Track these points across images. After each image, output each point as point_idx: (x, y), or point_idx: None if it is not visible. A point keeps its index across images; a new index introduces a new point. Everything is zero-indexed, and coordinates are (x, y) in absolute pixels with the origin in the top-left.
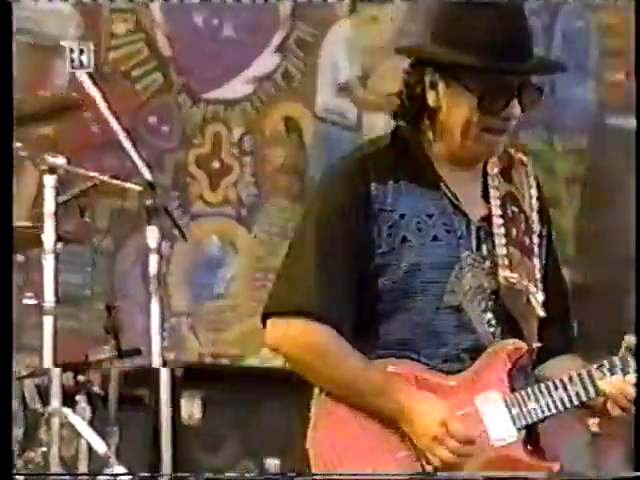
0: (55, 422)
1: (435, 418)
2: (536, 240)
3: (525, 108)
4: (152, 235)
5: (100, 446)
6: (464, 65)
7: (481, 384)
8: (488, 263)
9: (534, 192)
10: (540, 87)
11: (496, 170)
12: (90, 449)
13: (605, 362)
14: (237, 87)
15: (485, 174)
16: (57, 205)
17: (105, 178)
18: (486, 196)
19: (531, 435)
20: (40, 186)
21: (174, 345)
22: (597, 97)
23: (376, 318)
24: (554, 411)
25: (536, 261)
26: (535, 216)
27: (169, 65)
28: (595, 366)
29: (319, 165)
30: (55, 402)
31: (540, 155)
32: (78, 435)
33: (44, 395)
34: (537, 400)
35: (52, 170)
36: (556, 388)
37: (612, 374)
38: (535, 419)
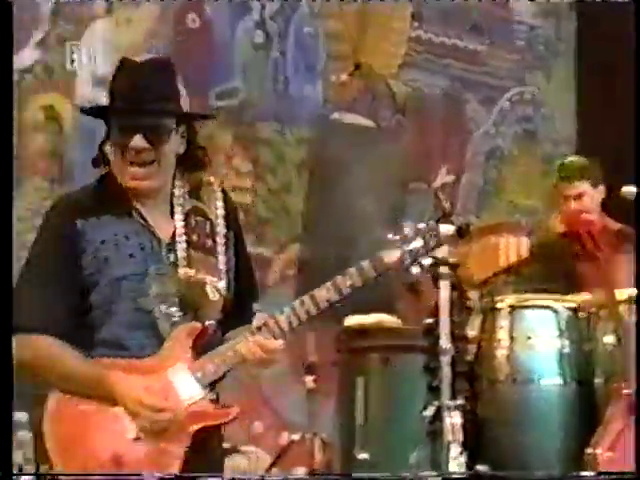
0: None
1: (132, 396)
2: (221, 240)
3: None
4: None
5: None
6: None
7: (171, 360)
8: (173, 270)
9: (220, 203)
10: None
11: (182, 191)
12: None
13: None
14: None
15: (172, 197)
16: None
17: None
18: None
19: (214, 390)
20: None
21: None
22: (323, 95)
23: (92, 326)
24: (225, 368)
25: (220, 257)
26: (221, 222)
27: None
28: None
29: (77, 149)
30: None
31: (272, 143)
32: None
33: None
34: (213, 362)
35: None
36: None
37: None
38: (214, 377)
